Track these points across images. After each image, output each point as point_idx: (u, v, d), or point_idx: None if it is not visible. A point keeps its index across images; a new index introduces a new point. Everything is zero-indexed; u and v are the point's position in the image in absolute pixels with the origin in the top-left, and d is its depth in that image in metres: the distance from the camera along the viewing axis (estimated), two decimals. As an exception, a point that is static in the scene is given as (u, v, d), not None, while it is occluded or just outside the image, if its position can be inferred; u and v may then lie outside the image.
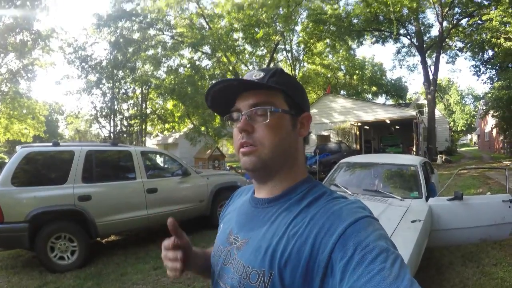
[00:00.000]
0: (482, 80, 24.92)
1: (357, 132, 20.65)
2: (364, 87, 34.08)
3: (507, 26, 16.36)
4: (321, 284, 0.58)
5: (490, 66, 20.56)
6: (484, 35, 18.00)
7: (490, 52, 19.83)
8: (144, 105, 21.87)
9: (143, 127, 21.82)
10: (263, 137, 0.72)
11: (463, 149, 43.81)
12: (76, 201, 4.38)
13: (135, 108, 21.66)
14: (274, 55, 24.37)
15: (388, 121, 19.98)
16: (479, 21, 19.11)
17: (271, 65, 24.78)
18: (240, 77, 0.77)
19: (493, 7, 17.40)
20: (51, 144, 4.68)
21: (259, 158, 0.72)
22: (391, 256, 0.53)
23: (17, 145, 4.74)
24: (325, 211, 0.66)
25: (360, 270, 0.52)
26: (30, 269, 4.43)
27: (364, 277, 0.51)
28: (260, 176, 0.77)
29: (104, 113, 19.69)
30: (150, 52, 20.71)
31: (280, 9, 20.43)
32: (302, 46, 25.32)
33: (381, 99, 36.54)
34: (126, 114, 21.15)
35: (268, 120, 0.71)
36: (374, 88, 34.75)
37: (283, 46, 25.13)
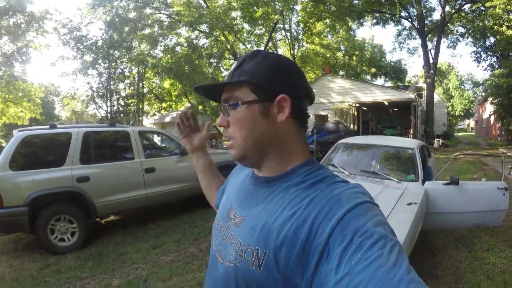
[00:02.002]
0: (482, 67, 24.82)
1: (355, 113, 20.60)
2: (363, 68, 33.78)
3: (510, 14, 16.14)
4: (316, 268, 0.58)
5: (491, 53, 20.41)
6: (486, 21, 17.77)
7: (492, 39, 19.66)
8: (140, 84, 21.68)
9: (140, 106, 21.69)
10: (233, 132, 0.75)
11: (460, 134, 43.92)
12: (75, 183, 4.40)
13: (132, 88, 21.47)
14: (273, 34, 24.01)
15: (386, 103, 19.92)
16: (482, 8, 18.86)
17: (270, 44, 24.47)
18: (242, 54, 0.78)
19: None
20: (48, 126, 4.66)
21: (237, 151, 0.75)
22: (390, 242, 0.53)
23: (14, 129, 4.72)
24: (324, 195, 0.65)
25: (358, 256, 0.51)
26: (31, 252, 4.48)
27: (361, 263, 0.50)
28: (248, 164, 0.80)
29: (100, 93, 19.52)
30: (147, 31, 20.40)
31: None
32: (302, 25, 24.89)
33: (380, 81, 36.27)
34: (123, 94, 20.96)
35: (231, 116, 0.75)
36: (373, 70, 34.44)
37: (282, 26, 24.78)
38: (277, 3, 21.05)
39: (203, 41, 22.89)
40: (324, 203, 0.63)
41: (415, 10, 22.29)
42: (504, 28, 16.41)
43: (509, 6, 15.88)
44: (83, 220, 4.51)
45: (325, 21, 24.38)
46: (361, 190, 0.67)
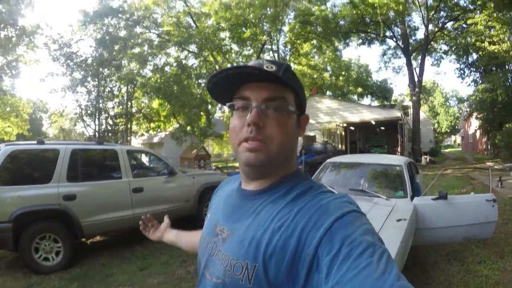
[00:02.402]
0: (466, 83, 25.67)
1: (343, 133, 20.85)
2: (350, 88, 34.43)
3: (492, 30, 16.79)
4: (306, 279, 0.57)
5: (474, 69, 21.08)
6: (469, 38, 18.43)
7: (475, 55, 20.37)
8: (129, 103, 21.56)
9: (129, 126, 21.50)
10: (274, 134, 0.69)
11: (447, 150, 44.67)
12: (61, 201, 4.29)
13: (121, 107, 21.33)
14: (261, 55, 24.38)
15: (373, 122, 20.23)
16: (464, 25, 19.64)
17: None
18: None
19: (478, 12, 17.82)
20: (35, 142, 4.58)
21: (266, 155, 0.70)
22: (378, 250, 0.53)
23: (0, 143, 4.61)
24: (312, 205, 0.65)
25: (347, 264, 0.51)
26: (14, 270, 4.33)
27: (351, 271, 0.50)
28: (259, 173, 0.74)
29: (89, 112, 19.30)
30: (136, 50, 20.49)
31: (268, 9, 20.48)
32: (289, 46, 25.43)
33: (366, 100, 36.99)
34: (112, 113, 20.77)
35: (283, 118, 0.70)
36: (359, 89, 35.12)
37: (269, 46, 25.23)
38: (265, 24, 21.50)
39: (192, 61, 23.14)
40: (312, 213, 0.63)
41: (399, 30, 23.02)
42: (486, 43, 16.99)
43: (490, 22, 16.51)
44: (68, 240, 4.37)
45: (312, 42, 24.97)
46: (348, 199, 0.67)
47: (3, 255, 4.89)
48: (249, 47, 24.06)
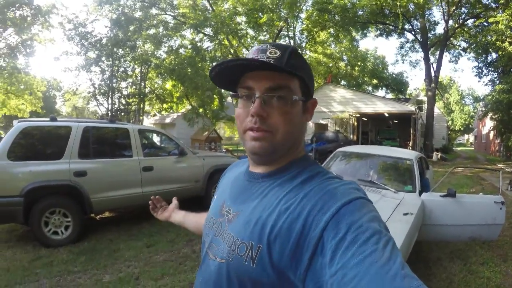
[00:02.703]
0: (483, 82, 24.92)
1: (355, 123, 20.68)
2: (365, 79, 33.89)
3: None
4: (309, 262, 0.57)
5: (492, 69, 20.46)
6: (489, 37, 17.90)
7: (494, 55, 19.72)
8: (143, 84, 21.67)
9: (141, 106, 21.67)
10: (278, 124, 0.69)
11: (459, 148, 44.03)
12: (72, 177, 4.38)
13: (134, 87, 21.47)
14: (277, 41, 24.11)
15: (386, 115, 20.00)
16: (485, 23, 19.05)
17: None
18: (249, 50, 0.72)
19: (500, 10, 17.24)
20: (48, 119, 4.65)
21: (271, 144, 0.70)
22: (384, 238, 0.53)
23: (14, 120, 4.70)
24: (319, 190, 0.65)
25: (352, 250, 0.51)
26: (24, 243, 4.45)
27: (355, 258, 0.50)
28: (265, 160, 0.75)
29: (102, 91, 19.49)
30: (151, 31, 20.46)
31: (286, -6, 20.16)
32: (306, 34, 24.99)
33: (381, 92, 36.43)
34: (125, 93, 20.94)
35: (287, 107, 0.69)
36: (374, 81, 34.57)
37: (286, 33, 24.83)
38: (282, 10, 21.19)
39: (207, 44, 23.04)
40: (319, 197, 0.63)
41: (418, 23, 22.45)
42: (507, 44, 16.50)
43: None
44: (78, 215, 4.48)
45: (329, 31, 24.52)
46: (355, 186, 0.67)
47: (14, 228, 5.04)
48: (265, 33, 23.78)
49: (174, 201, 1.31)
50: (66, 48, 32.22)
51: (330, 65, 30.64)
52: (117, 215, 5.98)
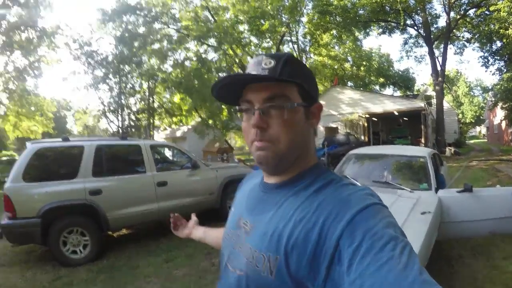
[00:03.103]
0: (490, 72, 24.36)
1: (365, 124, 20.51)
2: (372, 78, 33.70)
3: None
4: (327, 272, 0.57)
5: (498, 57, 20.10)
6: (492, 26, 17.63)
7: (499, 43, 19.38)
8: (151, 99, 21.94)
9: (151, 121, 21.91)
10: (279, 134, 0.69)
11: (472, 141, 43.26)
12: (87, 195, 4.44)
13: (143, 102, 21.74)
14: (280, 47, 24.18)
15: (396, 113, 19.79)
16: (486, 12, 18.81)
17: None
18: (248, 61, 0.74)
19: None
20: (60, 139, 4.74)
21: (275, 154, 0.70)
22: (400, 244, 0.53)
23: (27, 142, 4.80)
24: (333, 198, 0.65)
25: (369, 258, 0.51)
26: (43, 263, 4.50)
27: (373, 265, 0.50)
28: (273, 170, 0.75)
29: (111, 108, 19.78)
30: (156, 46, 20.70)
31: (286, 0, 20.25)
32: (308, 37, 25.01)
33: (388, 91, 36.16)
34: (134, 109, 21.24)
35: (286, 115, 0.69)
36: (381, 80, 34.35)
37: (289, 38, 24.90)
38: (283, 15, 21.28)
39: (212, 55, 23.19)
40: (333, 205, 0.63)
41: (420, 18, 22.27)
42: (510, 31, 16.23)
43: None
44: (95, 233, 4.53)
45: (331, 32, 24.49)
46: (369, 192, 0.67)
47: (33, 249, 5.09)
48: (268, 39, 23.88)
49: (193, 217, 1.32)
50: (74, 68, 32.92)
51: (336, 67, 30.55)
52: (134, 232, 6.01)
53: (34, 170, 4.31)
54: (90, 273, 4.07)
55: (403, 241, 0.54)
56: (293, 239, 0.63)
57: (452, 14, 20.92)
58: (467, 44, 23.81)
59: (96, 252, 4.53)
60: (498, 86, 19.20)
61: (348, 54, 31.00)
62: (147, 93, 21.62)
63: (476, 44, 21.60)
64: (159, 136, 26.97)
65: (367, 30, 24.73)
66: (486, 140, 44.22)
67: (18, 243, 4.61)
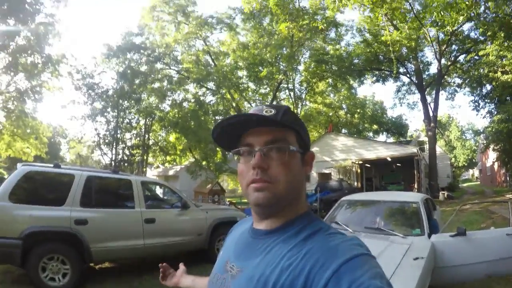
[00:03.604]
0: (481, 115, 24.98)
1: (358, 170, 20.64)
2: (365, 125, 34.43)
3: (504, 59, 16.74)
4: None
5: (488, 100, 20.70)
6: (481, 70, 18.34)
7: (488, 87, 20.06)
8: (147, 136, 22.05)
9: (145, 157, 21.85)
10: (278, 174, 0.71)
11: (465, 184, 43.44)
12: (72, 224, 4.34)
13: (138, 138, 21.82)
14: (277, 93, 24.88)
15: (389, 159, 20.01)
16: (476, 57, 19.63)
17: (274, 103, 25.20)
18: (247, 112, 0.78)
19: (489, 42, 17.87)
20: (52, 165, 4.72)
21: (274, 194, 0.71)
22: None
23: (18, 163, 4.77)
24: (321, 246, 0.66)
25: None
26: (18, 286, 4.38)
27: None
28: (269, 211, 0.76)
29: (106, 141, 19.79)
30: (156, 85, 21.20)
31: (284, 49, 21.09)
32: (305, 85, 25.79)
33: (382, 137, 36.83)
34: (129, 144, 21.24)
35: (286, 158, 0.72)
36: (375, 126, 35.09)
37: (286, 85, 25.63)
38: (281, 63, 22.07)
39: (209, 98, 23.71)
40: (320, 254, 0.64)
41: (412, 66, 23.28)
42: (499, 74, 16.84)
43: (502, 52, 16.43)
44: (76, 263, 4.38)
45: (327, 80, 25.30)
46: (357, 242, 0.67)
47: (10, 270, 4.90)
48: (266, 86, 24.60)
49: (182, 266, 1.29)
50: (73, 97, 33.23)
51: (330, 114, 31.28)
52: (117, 265, 5.80)
53: (22, 191, 4.27)
54: (66, 305, 3.85)
55: None
56: (278, 286, 0.63)
57: (443, 61, 21.88)
58: (458, 89, 24.79)
59: (75, 282, 4.36)
60: (489, 129, 19.59)
61: (343, 102, 31.91)
62: (143, 130, 21.77)
63: (467, 89, 22.46)
64: (152, 173, 26.79)
65: (362, 78, 25.71)
66: (479, 182, 44.46)
67: (-4, 262, 4.44)
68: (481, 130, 29.81)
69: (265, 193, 0.71)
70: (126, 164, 20.36)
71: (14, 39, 17.42)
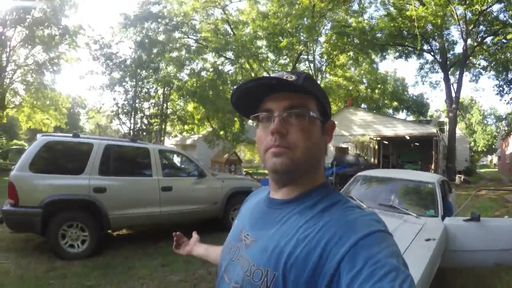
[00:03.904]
0: (505, 100, 24.06)
1: (376, 147, 20.36)
2: (385, 101, 33.66)
3: None
4: None
5: (513, 86, 19.98)
6: (508, 54, 17.53)
7: (515, 72, 19.32)
8: (165, 105, 22.23)
9: (163, 126, 22.14)
10: (298, 140, 0.70)
11: (482, 170, 42.52)
12: (91, 192, 4.47)
13: (156, 108, 22.03)
14: (297, 64, 24.36)
15: (408, 137, 19.63)
16: (504, 40, 18.78)
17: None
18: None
19: None
20: (71, 135, 4.80)
21: (292, 160, 0.70)
22: (401, 276, 0.52)
23: (38, 134, 4.88)
24: (338, 219, 0.64)
25: (368, 285, 0.50)
26: (39, 253, 4.53)
27: None
28: (286, 178, 0.74)
29: (125, 110, 20.07)
30: (174, 54, 21.10)
31: (305, 19, 20.46)
32: (325, 57, 25.12)
33: (402, 115, 35.99)
34: (147, 113, 21.52)
35: (305, 124, 0.71)
36: (395, 103, 34.26)
37: (306, 56, 25.05)
38: (301, 34, 21.49)
39: (228, 68, 23.50)
40: (337, 227, 0.62)
41: (437, 44, 22.33)
42: None
43: None
44: (95, 230, 4.54)
45: (348, 54, 24.62)
46: (375, 218, 0.66)
47: (30, 238, 5.11)
48: (285, 56, 24.10)
49: (195, 235, 1.30)
50: (92, 68, 33.52)
51: (350, 88, 30.62)
52: (133, 233, 6.01)
53: (42, 161, 4.37)
54: (85, 268, 4.05)
55: (404, 273, 0.53)
56: (293, 257, 0.62)
57: (469, 41, 20.88)
58: (483, 72, 23.74)
59: (94, 248, 4.53)
60: (512, 115, 18.98)
61: (364, 76, 31.11)
62: (161, 99, 21.92)
63: (492, 72, 21.61)
64: (170, 142, 27.17)
65: (384, 53, 24.84)
66: (497, 169, 43.48)
67: (17, 231, 4.65)
68: (504, 116, 28.75)
69: (283, 159, 0.69)
70: (144, 133, 20.71)
71: (30, 12, 17.49)
